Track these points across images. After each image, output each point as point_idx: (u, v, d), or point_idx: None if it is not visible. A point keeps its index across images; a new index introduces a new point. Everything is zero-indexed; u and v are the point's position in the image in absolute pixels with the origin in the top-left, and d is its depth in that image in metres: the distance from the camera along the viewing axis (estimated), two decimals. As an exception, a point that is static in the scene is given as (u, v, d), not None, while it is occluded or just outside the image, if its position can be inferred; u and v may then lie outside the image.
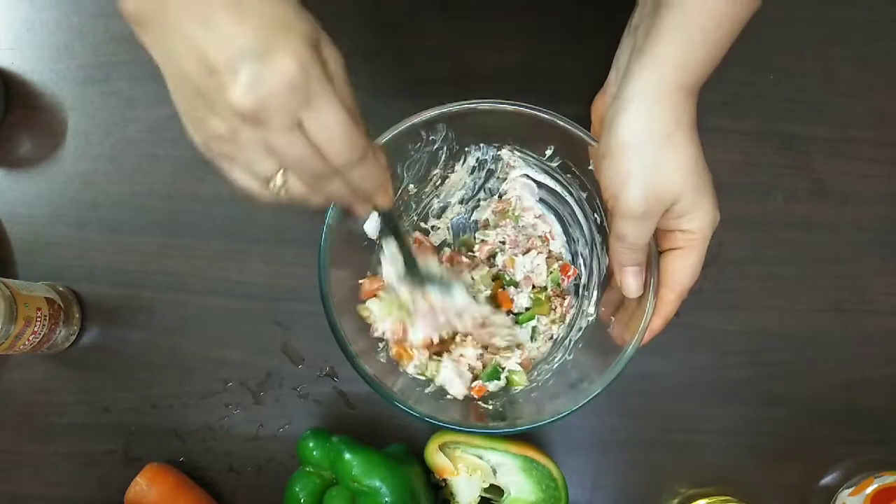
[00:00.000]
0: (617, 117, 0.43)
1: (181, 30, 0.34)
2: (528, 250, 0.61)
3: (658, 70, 0.43)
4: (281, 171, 0.38)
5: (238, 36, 0.33)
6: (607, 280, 0.57)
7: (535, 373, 0.59)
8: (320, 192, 0.40)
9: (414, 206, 0.62)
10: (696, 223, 0.45)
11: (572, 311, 0.61)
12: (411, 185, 0.59)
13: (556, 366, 0.59)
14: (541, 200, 0.62)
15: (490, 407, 0.57)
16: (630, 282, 0.49)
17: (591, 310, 0.59)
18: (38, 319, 0.60)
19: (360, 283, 0.57)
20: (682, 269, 0.47)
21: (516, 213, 0.62)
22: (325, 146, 0.37)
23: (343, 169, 0.38)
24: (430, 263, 0.56)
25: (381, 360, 0.56)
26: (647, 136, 0.43)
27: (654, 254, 0.49)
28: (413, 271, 0.53)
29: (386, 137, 0.52)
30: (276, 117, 0.35)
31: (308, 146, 0.36)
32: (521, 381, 0.58)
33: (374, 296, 0.56)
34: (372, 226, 0.56)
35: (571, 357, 0.58)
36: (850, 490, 0.60)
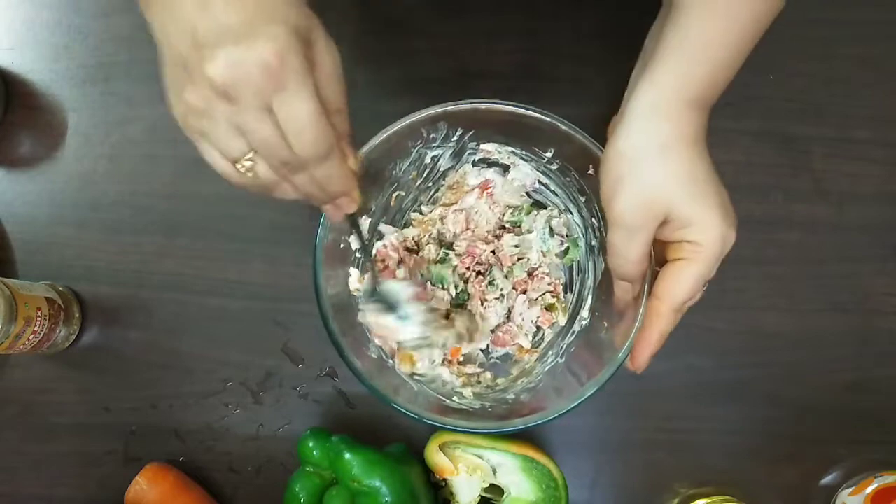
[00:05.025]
0: (618, 128, 0.44)
1: (180, 8, 0.36)
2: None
3: (659, 85, 0.42)
4: (250, 154, 0.39)
5: (227, 17, 0.35)
6: (602, 285, 0.57)
7: (527, 378, 0.59)
8: (287, 182, 0.41)
9: (414, 199, 0.63)
10: (701, 235, 0.43)
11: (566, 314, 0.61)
12: (413, 178, 0.60)
13: (548, 368, 0.59)
14: (535, 203, 0.62)
15: (479, 406, 0.57)
16: (621, 293, 0.49)
17: (585, 314, 0.59)
18: (38, 319, 0.60)
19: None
20: (676, 280, 0.44)
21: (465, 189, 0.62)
22: (290, 135, 0.38)
23: (307, 162, 0.39)
24: (394, 287, 0.56)
25: (373, 355, 0.56)
26: (642, 146, 0.42)
27: (651, 266, 0.48)
28: (373, 290, 0.55)
29: (385, 135, 0.52)
30: (246, 96, 0.36)
31: (275, 131, 0.37)
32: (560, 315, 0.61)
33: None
34: (356, 241, 0.57)
35: (563, 360, 0.58)
36: (850, 490, 0.60)
